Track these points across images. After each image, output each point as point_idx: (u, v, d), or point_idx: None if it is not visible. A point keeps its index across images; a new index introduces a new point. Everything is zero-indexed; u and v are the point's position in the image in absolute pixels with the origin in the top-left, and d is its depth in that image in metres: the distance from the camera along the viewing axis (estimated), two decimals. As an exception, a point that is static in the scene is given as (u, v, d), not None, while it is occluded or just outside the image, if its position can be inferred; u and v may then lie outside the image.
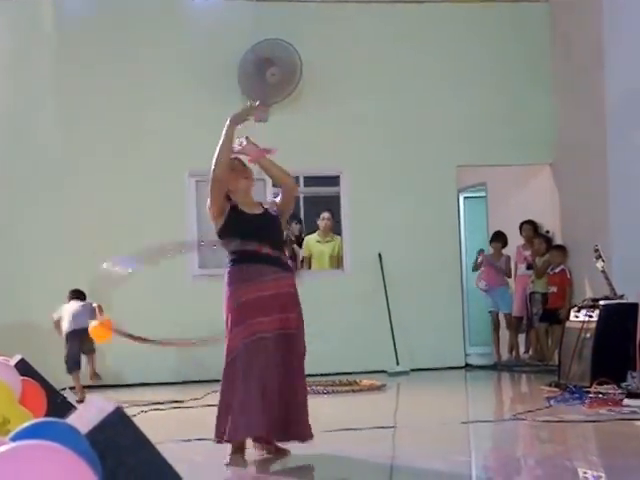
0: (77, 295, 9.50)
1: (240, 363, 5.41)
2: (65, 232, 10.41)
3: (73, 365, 9.21)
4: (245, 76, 10.58)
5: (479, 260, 11.64)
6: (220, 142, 5.68)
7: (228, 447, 5.48)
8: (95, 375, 9.43)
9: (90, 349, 9.44)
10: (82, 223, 10.44)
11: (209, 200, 5.67)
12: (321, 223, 11.34)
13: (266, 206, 5.85)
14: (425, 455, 5.52)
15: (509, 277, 11.53)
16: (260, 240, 5.54)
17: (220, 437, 5.43)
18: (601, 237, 9.50)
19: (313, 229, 11.69)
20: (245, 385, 5.35)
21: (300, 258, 11.46)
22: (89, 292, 8.98)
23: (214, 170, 5.68)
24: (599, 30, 9.99)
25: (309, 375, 7.07)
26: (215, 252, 10.72)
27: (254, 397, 5.33)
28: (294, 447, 5.53)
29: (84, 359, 9.41)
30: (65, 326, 9.28)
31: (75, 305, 9.39)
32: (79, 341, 9.25)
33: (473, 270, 11.83)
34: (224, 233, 5.69)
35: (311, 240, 11.43)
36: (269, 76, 10.55)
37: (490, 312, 11.67)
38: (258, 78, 10.57)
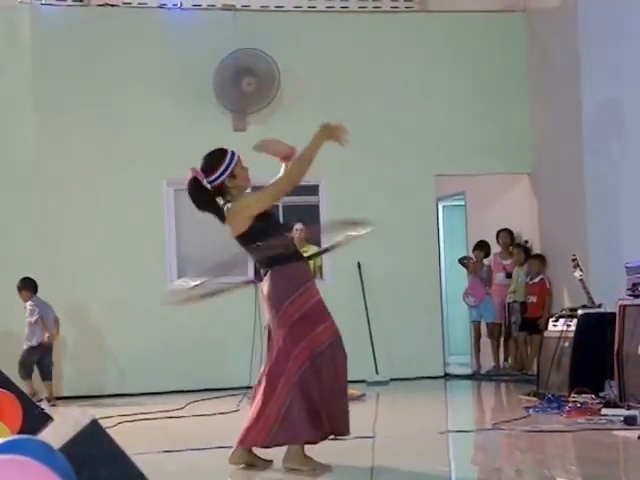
0: (29, 284, 9.72)
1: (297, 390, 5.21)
2: (42, 243, 10.36)
3: (27, 374, 9.46)
4: (221, 85, 10.58)
5: (467, 261, 11.65)
6: (308, 160, 5.51)
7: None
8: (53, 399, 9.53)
9: (48, 373, 9.62)
10: (60, 234, 10.40)
11: (254, 207, 5.38)
12: (295, 234, 11.32)
13: None
14: (404, 465, 5.51)
15: (489, 287, 11.55)
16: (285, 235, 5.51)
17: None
18: (579, 246, 9.54)
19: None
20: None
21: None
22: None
23: (289, 185, 5.50)
24: (575, 41, 10.05)
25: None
26: (195, 262, 10.73)
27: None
28: (273, 457, 5.51)
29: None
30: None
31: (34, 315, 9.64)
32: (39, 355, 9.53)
33: (458, 261, 11.82)
34: (259, 233, 5.38)
35: None
36: (245, 85, 10.55)
37: (473, 322, 11.68)
38: (234, 87, 10.57)
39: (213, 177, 5.50)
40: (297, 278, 5.35)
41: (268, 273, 5.39)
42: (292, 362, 5.22)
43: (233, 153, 5.55)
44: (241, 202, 5.44)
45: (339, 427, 5.31)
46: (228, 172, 5.48)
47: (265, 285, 5.39)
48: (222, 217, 5.48)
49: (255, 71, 10.60)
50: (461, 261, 11.83)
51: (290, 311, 5.27)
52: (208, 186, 5.51)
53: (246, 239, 5.41)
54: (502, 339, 11.44)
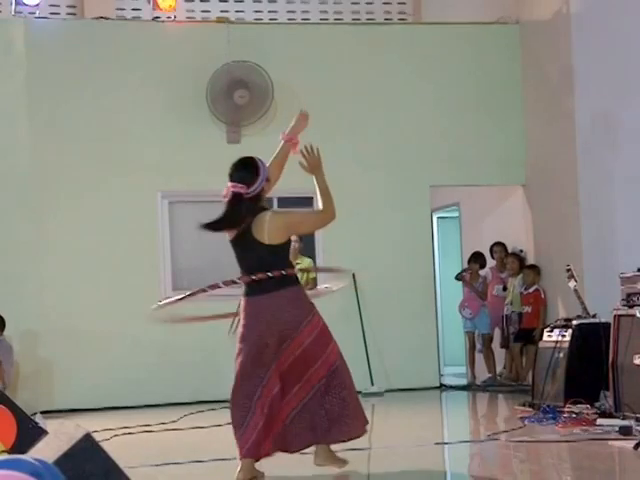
0: None
1: None
2: (36, 256, 10.35)
3: None
4: (214, 97, 10.59)
5: (464, 275, 11.63)
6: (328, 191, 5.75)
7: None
8: None
9: None
10: (54, 246, 10.39)
11: (308, 226, 6.02)
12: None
13: None
14: (400, 476, 5.50)
15: (484, 299, 11.52)
16: None
17: None
18: (573, 257, 9.56)
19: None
20: None
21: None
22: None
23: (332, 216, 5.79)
24: (568, 53, 10.09)
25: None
26: (190, 274, 10.73)
27: None
28: (265, 468, 5.50)
29: None
30: None
31: None
32: None
33: (455, 278, 11.79)
34: (287, 249, 5.64)
35: None
36: (237, 98, 10.57)
37: (467, 332, 11.67)
38: (227, 100, 10.59)
39: (255, 187, 5.55)
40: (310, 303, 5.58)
41: (282, 291, 5.44)
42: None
43: (259, 159, 5.70)
44: (295, 216, 5.80)
45: None
46: (266, 177, 5.59)
47: (281, 301, 5.44)
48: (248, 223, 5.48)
49: (248, 83, 10.62)
50: (457, 277, 11.79)
51: (315, 321, 5.47)
52: (247, 197, 5.54)
53: (279, 250, 5.49)
54: (500, 349, 11.42)
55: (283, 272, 5.42)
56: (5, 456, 1.87)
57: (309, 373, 5.42)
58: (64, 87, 10.58)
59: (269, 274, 5.40)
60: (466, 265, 11.76)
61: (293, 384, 5.40)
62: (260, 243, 5.43)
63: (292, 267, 5.60)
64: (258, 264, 5.46)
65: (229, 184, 5.59)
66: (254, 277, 5.43)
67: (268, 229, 5.43)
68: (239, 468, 5.36)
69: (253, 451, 5.33)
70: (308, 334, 5.44)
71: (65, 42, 10.70)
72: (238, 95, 10.56)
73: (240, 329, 5.65)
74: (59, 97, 10.56)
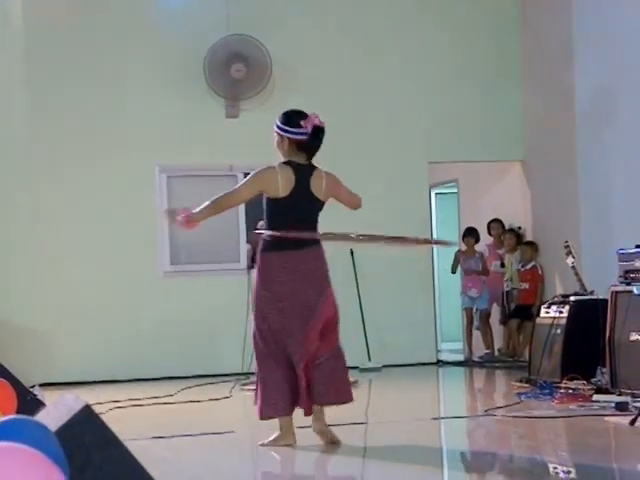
0: None
1: None
2: (34, 230, 10.35)
3: None
4: (211, 71, 10.54)
5: (459, 260, 11.63)
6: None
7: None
8: None
9: None
10: (52, 221, 10.38)
11: (345, 197, 6.05)
12: None
13: None
14: (397, 451, 5.53)
15: (487, 275, 11.48)
16: None
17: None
18: (571, 233, 9.56)
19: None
20: None
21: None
22: None
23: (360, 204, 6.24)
24: (569, 28, 10.05)
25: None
26: (188, 248, 10.74)
27: None
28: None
29: None
30: None
31: None
32: None
33: (452, 272, 11.76)
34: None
35: None
36: (234, 71, 10.52)
37: (465, 309, 11.67)
38: (223, 73, 10.54)
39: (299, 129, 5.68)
40: None
41: (315, 247, 5.63)
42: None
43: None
44: (342, 183, 5.90)
45: None
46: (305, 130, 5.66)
47: (316, 257, 5.62)
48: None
49: (245, 57, 10.57)
50: (453, 270, 11.74)
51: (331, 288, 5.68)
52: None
53: (321, 208, 5.76)
54: (499, 325, 11.45)
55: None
56: (7, 417, 1.87)
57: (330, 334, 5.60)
58: (62, 59, 10.53)
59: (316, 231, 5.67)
60: (462, 241, 11.75)
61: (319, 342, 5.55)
62: (317, 199, 5.62)
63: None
64: (313, 219, 5.66)
65: (312, 116, 5.68)
66: (319, 234, 5.68)
67: (326, 185, 5.65)
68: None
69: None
70: (332, 295, 5.66)
71: (63, 14, 10.62)
72: (235, 69, 10.52)
73: (271, 285, 5.53)
74: (57, 69, 10.51)
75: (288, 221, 5.52)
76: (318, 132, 5.65)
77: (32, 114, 10.45)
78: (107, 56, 10.62)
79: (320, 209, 5.69)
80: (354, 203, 6.07)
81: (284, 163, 5.61)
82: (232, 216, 10.31)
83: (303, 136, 5.60)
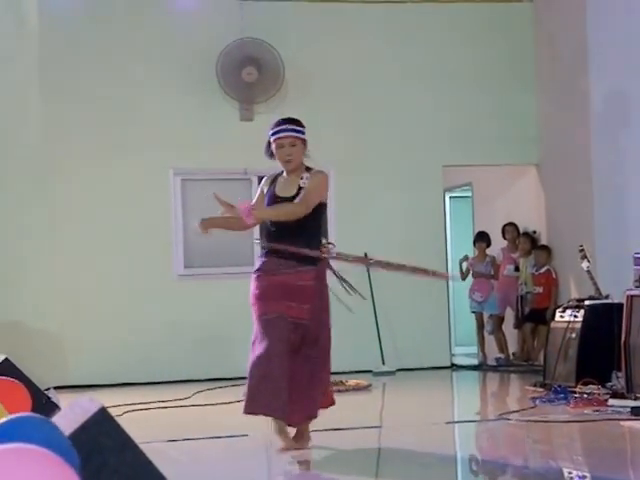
0: None
1: None
2: (49, 231, 10.37)
3: None
4: (223, 74, 10.55)
5: (467, 266, 11.62)
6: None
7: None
8: None
9: None
10: (67, 222, 10.41)
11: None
12: None
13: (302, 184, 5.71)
14: (411, 455, 5.52)
15: (496, 279, 11.48)
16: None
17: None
18: (586, 237, 9.52)
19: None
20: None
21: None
22: None
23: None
24: (583, 30, 10.01)
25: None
26: (201, 251, 10.75)
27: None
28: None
29: None
30: None
31: None
32: None
33: (463, 279, 11.74)
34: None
35: None
36: (245, 75, 10.52)
37: (474, 312, 11.65)
38: (235, 77, 10.55)
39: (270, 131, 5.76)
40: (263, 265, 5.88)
41: (312, 268, 5.67)
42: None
43: (279, 130, 5.71)
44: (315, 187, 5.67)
45: None
46: (269, 140, 5.74)
47: (315, 277, 5.70)
48: None
49: (257, 61, 10.57)
50: (463, 276, 11.75)
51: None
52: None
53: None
54: (513, 330, 11.41)
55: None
56: (12, 418, 1.87)
57: None
58: (76, 64, 10.56)
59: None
60: (473, 246, 11.73)
61: None
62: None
63: None
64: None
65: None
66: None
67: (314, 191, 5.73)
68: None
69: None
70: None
71: (78, 16, 10.65)
72: (246, 72, 10.53)
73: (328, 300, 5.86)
74: (71, 74, 10.54)
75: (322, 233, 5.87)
76: None
77: (47, 115, 10.47)
78: (122, 58, 10.63)
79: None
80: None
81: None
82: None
83: None
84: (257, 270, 5.74)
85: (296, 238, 5.55)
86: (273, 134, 5.69)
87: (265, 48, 10.57)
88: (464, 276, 11.69)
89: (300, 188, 5.59)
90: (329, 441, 5.58)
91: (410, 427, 6.61)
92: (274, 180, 5.75)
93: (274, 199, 5.65)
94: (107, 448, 2.10)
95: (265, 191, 5.75)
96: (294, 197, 5.59)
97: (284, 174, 5.74)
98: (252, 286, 5.75)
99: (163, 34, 10.75)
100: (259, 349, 5.57)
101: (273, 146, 5.69)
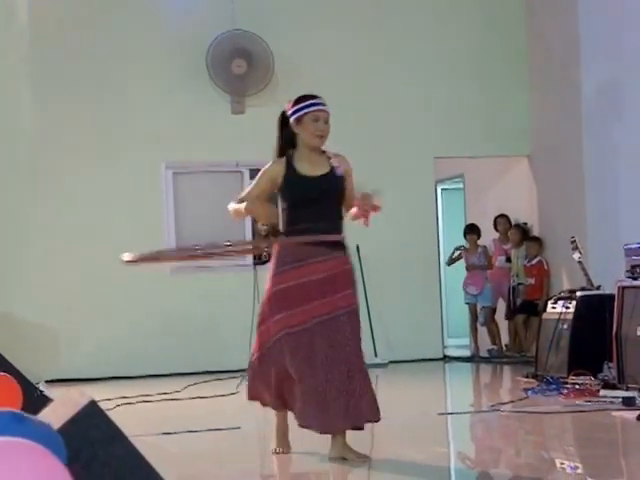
0: None
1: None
2: (42, 225, 10.36)
3: None
4: (213, 66, 10.54)
5: (457, 255, 11.64)
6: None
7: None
8: None
9: None
10: (58, 215, 10.40)
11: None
12: None
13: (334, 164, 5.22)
14: (403, 446, 5.53)
15: (490, 269, 11.50)
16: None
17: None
18: (577, 229, 9.54)
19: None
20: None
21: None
22: None
23: None
24: (575, 23, 10.02)
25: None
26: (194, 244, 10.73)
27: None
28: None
29: None
30: None
31: None
32: None
33: (448, 264, 11.81)
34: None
35: None
36: (234, 67, 10.51)
37: (468, 304, 11.67)
38: (225, 69, 10.54)
39: (291, 109, 5.18)
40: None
41: (341, 254, 5.15)
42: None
43: (317, 103, 5.18)
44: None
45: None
46: (298, 114, 5.15)
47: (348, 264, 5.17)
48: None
49: (247, 53, 10.55)
50: (450, 262, 11.78)
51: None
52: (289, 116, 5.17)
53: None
54: (505, 320, 11.44)
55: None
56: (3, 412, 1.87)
57: None
58: (67, 56, 10.53)
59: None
60: (464, 238, 11.74)
61: None
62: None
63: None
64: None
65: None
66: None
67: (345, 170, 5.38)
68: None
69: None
70: None
71: (68, 10, 10.62)
72: (236, 64, 10.52)
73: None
74: (62, 67, 10.51)
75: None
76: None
77: (36, 112, 10.45)
78: (112, 51, 10.61)
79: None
80: None
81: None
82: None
83: None
84: (282, 263, 5.04)
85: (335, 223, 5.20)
86: (308, 106, 5.13)
87: (255, 40, 10.55)
88: (451, 262, 11.73)
89: (332, 167, 5.19)
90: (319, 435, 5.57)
91: (403, 419, 6.62)
92: (289, 165, 5.12)
93: (308, 180, 5.09)
94: (97, 441, 2.09)
95: (281, 178, 5.09)
96: (328, 175, 5.17)
97: (298, 154, 5.16)
98: (272, 284, 5.05)
99: (155, 27, 10.73)
100: (290, 368, 4.96)
101: (305, 119, 5.11)
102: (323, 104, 5.23)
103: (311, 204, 5.07)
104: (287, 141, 5.22)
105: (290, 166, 5.14)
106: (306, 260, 5.01)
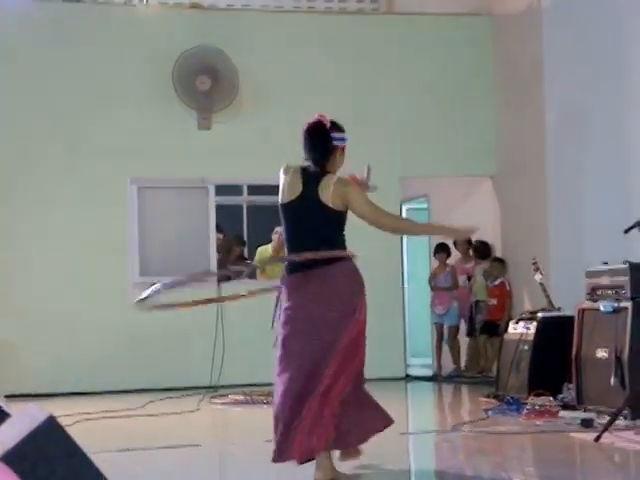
0: None
1: None
2: (2, 239, 10.27)
3: None
4: (179, 82, 10.54)
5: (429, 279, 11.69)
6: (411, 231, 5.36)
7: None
8: None
9: None
10: (18, 226, 10.32)
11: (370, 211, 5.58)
12: (274, 237, 11.20)
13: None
14: (364, 466, 5.53)
15: (456, 289, 11.51)
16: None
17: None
18: (540, 250, 9.62)
19: (260, 239, 11.57)
20: None
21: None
22: None
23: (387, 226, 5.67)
24: (539, 45, 10.14)
25: (252, 385, 6.93)
26: (158, 261, 10.69)
27: None
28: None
29: None
30: None
31: None
32: None
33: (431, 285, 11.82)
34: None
35: (266, 252, 11.29)
36: (199, 83, 10.53)
37: (435, 324, 11.69)
38: (189, 85, 10.55)
39: (337, 135, 5.22)
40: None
41: (329, 267, 5.27)
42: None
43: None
44: (363, 196, 5.45)
45: None
46: (344, 143, 5.27)
47: (332, 279, 5.28)
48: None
49: (212, 69, 10.56)
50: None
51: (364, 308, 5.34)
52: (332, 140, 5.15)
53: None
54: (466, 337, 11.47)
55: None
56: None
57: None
58: (31, 71, 10.49)
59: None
60: (434, 257, 11.78)
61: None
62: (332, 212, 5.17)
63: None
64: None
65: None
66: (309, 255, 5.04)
67: (352, 194, 5.33)
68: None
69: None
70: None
71: (33, 25, 10.59)
72: (200, 81, 10.53)
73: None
74: (27, 82, 10.46)
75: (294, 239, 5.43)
76: (308, 132, 5.27)
77: (2, 127, 10.38)
78: (78, 66, 10.57)
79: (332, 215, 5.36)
80: (378, 217, 5.63)
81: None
82: (203, 227, 10.31)
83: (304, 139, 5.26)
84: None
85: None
86: (345, 139, 5.34)
87: (220, 57, 10.57)
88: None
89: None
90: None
91: (363, 437, 6.61)
92: (304, 174, 5.26)
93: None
94: (55, 457, 2.08)
95: (296, 184, 5.23)
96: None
97: (313, 169, 5.26)
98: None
99: (122, 42, 10.71)
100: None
101: (341, 151, 5.34)
102: None
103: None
104: (321, 157, 5.22)
105: (304, 179, 5.27)
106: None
